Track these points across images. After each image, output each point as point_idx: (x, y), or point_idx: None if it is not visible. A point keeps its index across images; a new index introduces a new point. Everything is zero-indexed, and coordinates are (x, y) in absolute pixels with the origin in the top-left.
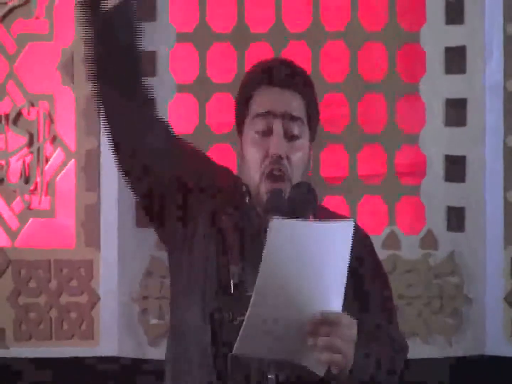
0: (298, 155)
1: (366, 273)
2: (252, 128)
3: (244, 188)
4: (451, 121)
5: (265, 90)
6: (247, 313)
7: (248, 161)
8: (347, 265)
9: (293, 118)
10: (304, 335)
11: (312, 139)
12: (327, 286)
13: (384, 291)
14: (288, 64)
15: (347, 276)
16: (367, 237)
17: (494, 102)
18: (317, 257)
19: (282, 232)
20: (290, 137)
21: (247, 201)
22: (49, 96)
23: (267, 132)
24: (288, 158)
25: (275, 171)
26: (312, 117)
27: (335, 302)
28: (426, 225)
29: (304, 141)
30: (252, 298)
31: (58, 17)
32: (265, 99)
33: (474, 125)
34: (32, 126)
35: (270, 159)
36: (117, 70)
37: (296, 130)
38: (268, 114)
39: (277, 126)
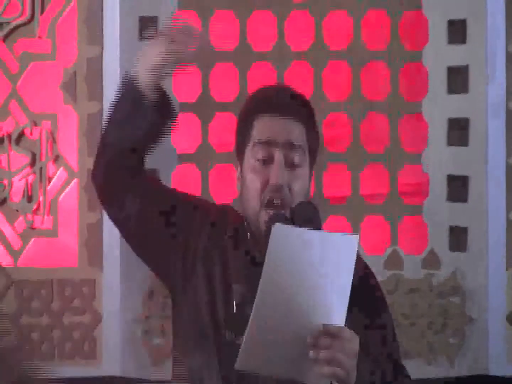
0: (299, 184)
1: (368, 303)
2: (253, 156)
3: (245, 223)
4: (453, 140)
5: (266, 118)
6: (248, 325)
7: (248, 188)
8: (351, 279)
9: (294, 147)
10: (305, 350)
11: (312, 167)
12: (330, 298)
13: (386, 322)
14: (289, 91)
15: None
16: (367, 267)
17: (496, 121)
18: (319, 266)
19: (284, 238)
20: (291, 166)
21: (248, 238)
22: (52, 115)
23: (268, 161)
24: (289, 186)
25: (275, 201)
26: (313, 145)
27: (337, 316)
28: (429, 245)
29: (304, 170)
30: (254, 308)
31: (60, 37)
32: (266, 127)
33: (477, 144)
34: (34, 145)
35: (271, 188)
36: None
37: (297, 159)
38: (269, 142)
39: (278, 155)
